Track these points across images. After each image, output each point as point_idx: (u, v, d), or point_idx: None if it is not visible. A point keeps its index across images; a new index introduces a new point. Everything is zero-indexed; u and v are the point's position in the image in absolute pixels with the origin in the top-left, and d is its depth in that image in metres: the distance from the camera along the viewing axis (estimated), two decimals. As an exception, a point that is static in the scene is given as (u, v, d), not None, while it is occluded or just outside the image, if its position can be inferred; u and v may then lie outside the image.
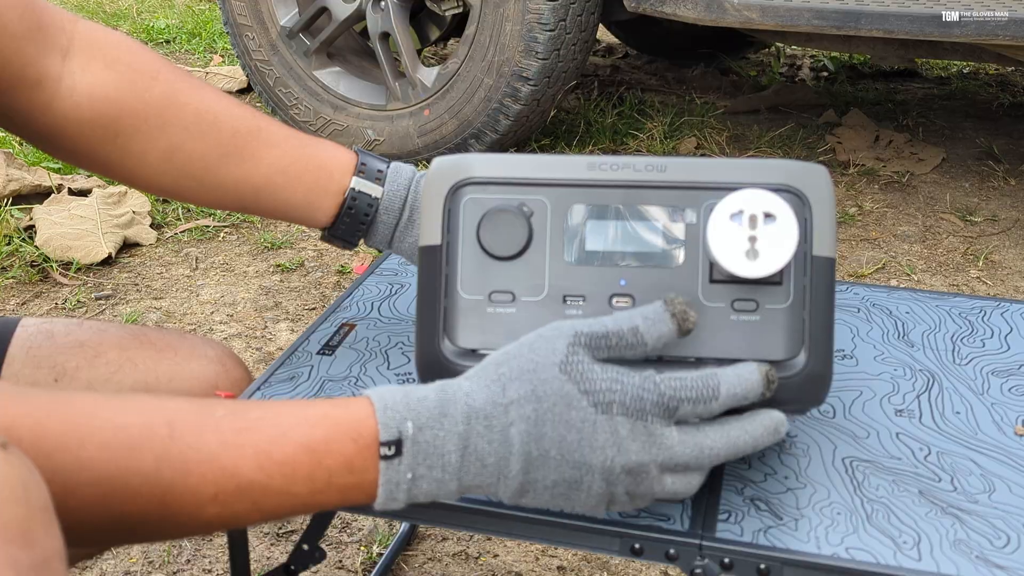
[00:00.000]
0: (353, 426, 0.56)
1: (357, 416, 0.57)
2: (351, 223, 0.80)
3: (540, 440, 0.56)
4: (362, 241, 0.83)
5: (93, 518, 0.53)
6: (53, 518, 0.49)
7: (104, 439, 0.53)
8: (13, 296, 1.77)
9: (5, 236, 1.92)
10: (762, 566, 0.60)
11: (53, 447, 0.52)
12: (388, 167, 0.81)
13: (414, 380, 0.77)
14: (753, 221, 0.59)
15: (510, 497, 0.57)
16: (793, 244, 0.59)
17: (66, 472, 0.52)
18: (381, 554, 1.15)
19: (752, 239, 0.59)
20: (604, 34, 3.41)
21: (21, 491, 0.43)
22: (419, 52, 2.49)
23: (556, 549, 1.16)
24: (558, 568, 1.13)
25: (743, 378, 0.58)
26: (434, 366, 0.64)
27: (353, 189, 0.79)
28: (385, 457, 0.55)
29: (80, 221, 1.94)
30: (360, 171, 0.80)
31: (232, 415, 0.57)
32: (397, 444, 0.55)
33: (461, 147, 2.27)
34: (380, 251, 0.85)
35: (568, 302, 0.63)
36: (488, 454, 0.56)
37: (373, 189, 0.80)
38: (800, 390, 0.61)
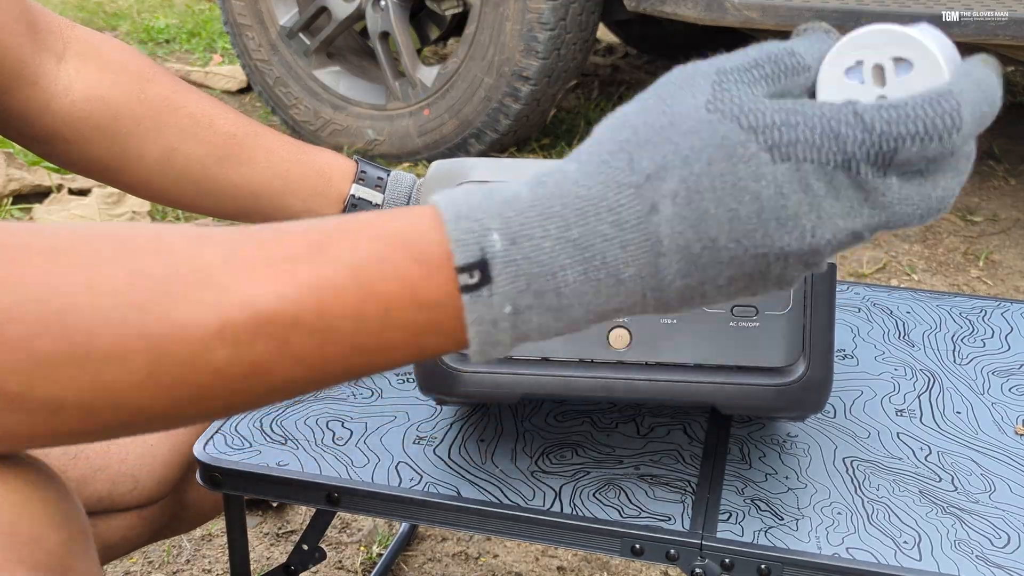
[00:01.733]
0: (413, 240, 0.40)
1: (418, 227, 0.41)
2: None
3: (701, 224, 0.40)
4: None
5: (51, 369, 0.38)
6: (90, 542, 0.48)
7: (53, 257, 0.39)
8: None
9: (5, 236, 1.92)
10: (763, 566, 0.60)
11: None
12: (388, 176, 0.81)
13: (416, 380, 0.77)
14: (879, 74, 0.42)
15: (664, 310, 0.43)
16: (946, 74, 0.42)
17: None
18: (381, 554, 1.15)
19: (881, 100, 0.42)
20: (604, 33, 3.41)
21: (61, 517, 0.43)
22: (419, 51, 2.49)
23: (556, 549, 1.16)
24: (558, 568, 1.13)
25: (984, 85, 0.41)
26: (434, 375, 0.64)
27: (353, 196, 0.79)
28: (467, 288, 0.40)
29: (79, 221, 1.94)
30: (360, 179, 0.79)
31: (252, 230, 0.42)
32: (481, 267, 0.40)
33: (461, 147, 2.27)
34: None
35: None
36: (624, 264, 0.40)
37: (373, 196, 0.79)
38: (799, 398, 0.61)
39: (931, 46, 0.41)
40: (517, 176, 0.67)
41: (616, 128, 0.42)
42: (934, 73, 0.41)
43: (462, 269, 0.40)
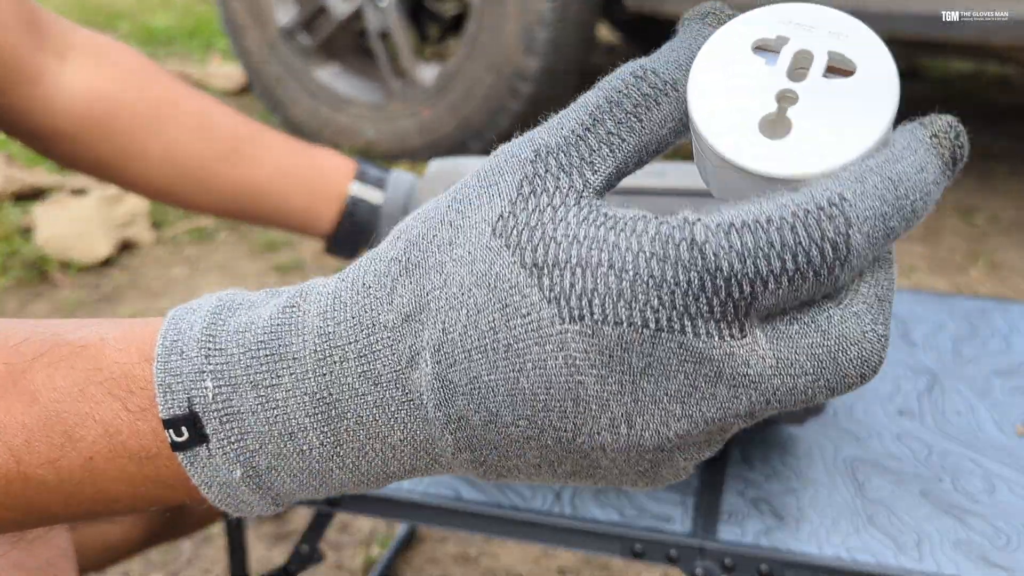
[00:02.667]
0: (118, 375, 0.32)
1: (127, 358, 0.32)
2: (352, 230, 0.80)
3: (472, 391, 0.29)
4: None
5: None
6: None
7: None
8: (13, 297, 1.77)
9: (5, 236, 1.92)
10: (763, 568, 0.60)
11: None
12: (389, 175, 0.81)
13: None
14: (803, 65, 0.30)
15: (484, 479, 0.32)
16: (888, 115, 0.28)
17: None
18: (380, 555, 1.15)
19: (787, 99, 0.29)
20: (605, 34, 3.41)
21: None
22: (419, 51, 2.48)
23: (556, 551, 1.16)
24: (558, 570, 1.13)
25: (906, 182, 0.27)
26: None
27: (353, 195, 0.79)
28: (177, 446, 0.31)
29: (79, 221, 1.94)
30: (360, 177, 0.80)
31: None
32: (189, 423, 0.31)
33: (461, 146, 2.27)
34: None
35: None
36: (387, 427, 0.30)
37: (373, 195, 0.79)
38: None
39: (892, 64, 0.29)
40: None
41: (398, 234, 0.31)
42: (880, 103, 0.28)
43: (168, 423, 0.31)
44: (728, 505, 0.64)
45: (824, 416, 0.74)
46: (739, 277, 0.26)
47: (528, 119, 2.21)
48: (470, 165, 0.65)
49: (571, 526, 0.62)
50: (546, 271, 0.27)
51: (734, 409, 0.28)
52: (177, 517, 0.88)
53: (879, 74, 0.29)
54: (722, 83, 0.29)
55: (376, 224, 0.80)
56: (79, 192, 2.09)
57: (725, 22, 0.31)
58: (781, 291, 0.26)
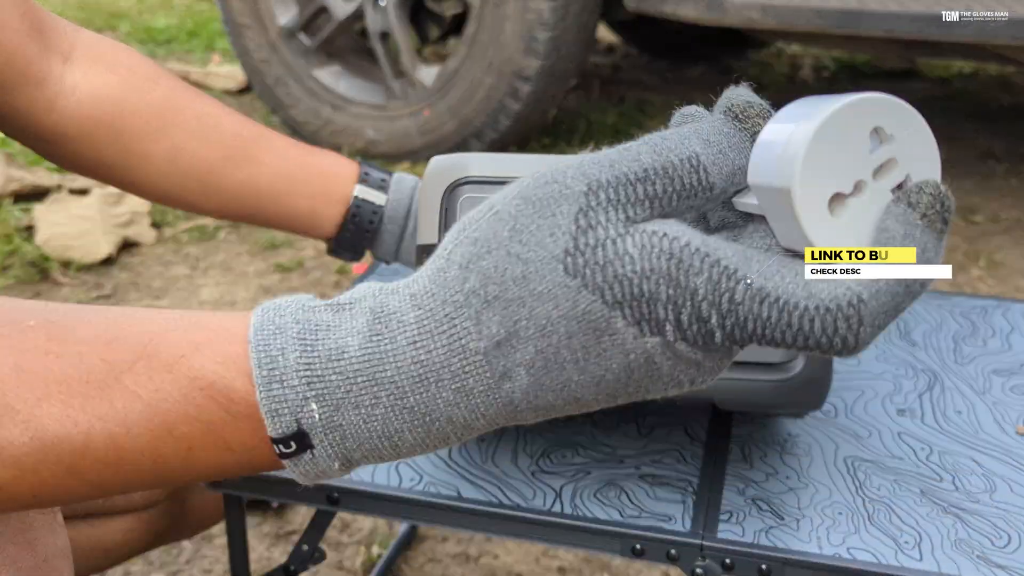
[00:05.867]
0: (220, 388, 0.37)
1: (227, 375, 0.37)
2: (356, 232, 0.80)
3: (563, 389, 0.36)
4: (369, 253, 0.83)
5: None
6: (55, 516, 0.48)
7: None
8: (14, 296, 1.77)
9: (5, 236, 1.92)
10: (763, 567, 0.60)
11: None
12: (391, 177, 0.81)
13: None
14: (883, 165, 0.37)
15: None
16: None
17: None
18: (381, 555, 1.15)
19: (857, 187, 0.36)
20: (604, 34, 3.41)
21: None
22: (419, 51, 2.48)
23: (557, 550, 1.16)
24: (559, 569, 1.13)
25: (912, 281, 0.36)
26: None
27: (357, 197, 0.79)
28: (285, 455, 0.37)
29: (80, 220, 1.94)
30: (363, 180, 0.80)
31: (51, 330, 0.38)
32: (298, 438, 0.37)
33: (461, 147, 2.27)
34: (388, 262, 0.84)
35: None
36: (473, 419, 0.37)
37: (377, 197, 0.80)
38: (798, 394, 0.61)
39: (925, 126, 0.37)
40: (513, 171, 0.66)
41: (464, 264, 0.36)
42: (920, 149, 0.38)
43: (276, 440, 0.37)
44: (728, 504, 0.64)
45: (824, 415, 0.74)
46: (757, 334, 0.35)
47: (528, 119, 2.22)
48: (470, 161, 0.66)
49: (571, 525, 0.62)
50: (627, 303, 0.34)
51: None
52: (178, 519, 0.88)
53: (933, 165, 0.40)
54: (831, 150, 0.34)
55: (379, 226, 0.80)
56: (80, 192, 2.09)
57: (760, 122, 0.38)
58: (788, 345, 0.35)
